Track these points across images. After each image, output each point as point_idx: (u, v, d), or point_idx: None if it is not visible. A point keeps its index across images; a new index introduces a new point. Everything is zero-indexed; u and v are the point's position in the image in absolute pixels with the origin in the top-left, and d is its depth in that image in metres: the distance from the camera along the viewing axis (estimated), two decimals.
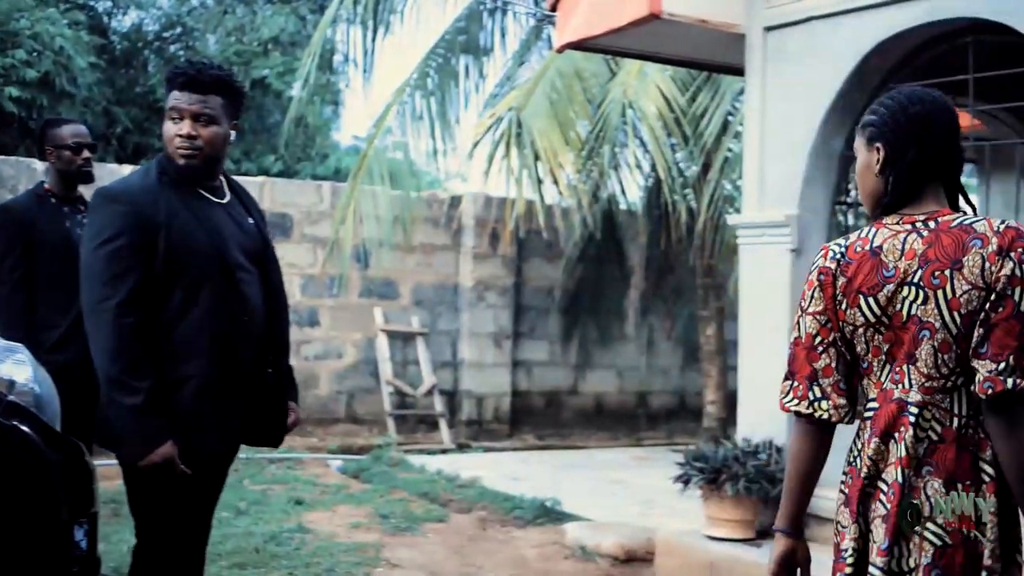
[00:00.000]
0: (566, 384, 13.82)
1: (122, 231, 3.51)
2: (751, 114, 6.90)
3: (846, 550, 2.75)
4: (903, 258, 2.65)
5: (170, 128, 3.66)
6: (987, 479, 2.62)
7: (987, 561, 2.58)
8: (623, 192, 12.51)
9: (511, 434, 13.04)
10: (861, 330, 2.71)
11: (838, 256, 2.75)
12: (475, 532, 7.77)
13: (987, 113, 7.45)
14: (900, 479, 2.64)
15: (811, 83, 6.51)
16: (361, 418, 12.59)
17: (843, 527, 2.77)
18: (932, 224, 2.67)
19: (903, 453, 2.65)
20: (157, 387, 3.50)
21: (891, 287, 2.65)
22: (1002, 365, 2.56)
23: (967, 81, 6.02)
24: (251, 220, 3.87)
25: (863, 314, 2.70)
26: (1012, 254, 2.57)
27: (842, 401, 2.78)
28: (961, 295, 2.59)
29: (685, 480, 6.44)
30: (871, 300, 2.68)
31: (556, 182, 11.47)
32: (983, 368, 2.58)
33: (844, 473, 2.82)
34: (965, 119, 6.89)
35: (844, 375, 2.78)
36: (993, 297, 2.57)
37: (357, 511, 8.19)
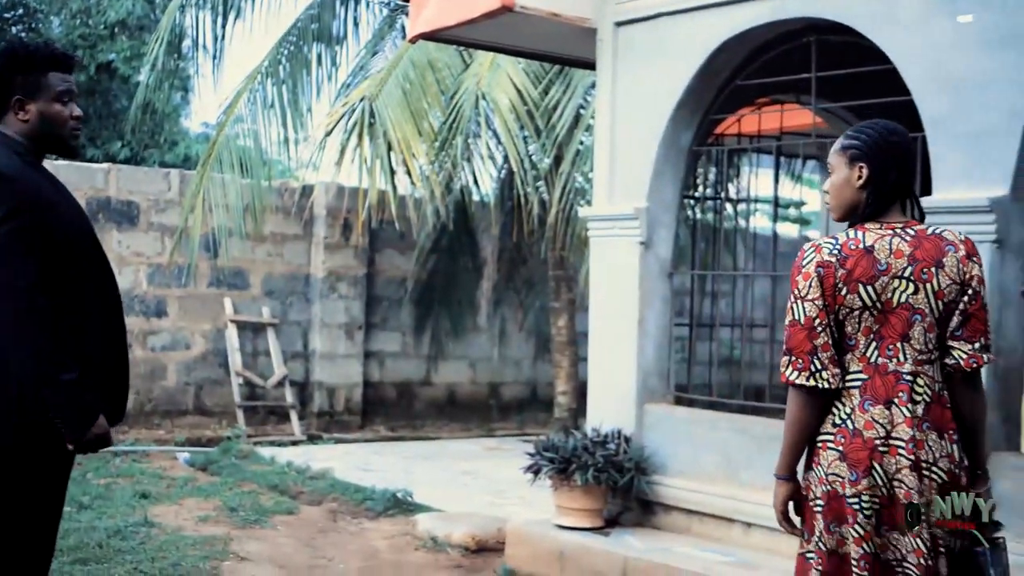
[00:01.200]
0: (418, 375, 13.81)
1: (20, 210, 3.47)
2: (602, 108, 6.98)
3: (857, 499, 3.29)
4: (892, 256, 3.33)
5: (62, 110, 3.68)
6: (953, 428, 3.37)
7: (962, 484, 3.35)
8: (476, 183, 12.52)
9: (363, 425, 12.99)
10: (856, 312, 3.34)
11: (836, 252, 3.35)
12: (326, 524, 7.73)
13: (829, 111, 7.66)
14: (914, 435, 3.29)
15: (660, 78, 6.62)
16: (210, 410, 12.40)
17: (841, 478, 3.32)
18: (911, 231, 3.38)
19: (908, 414, 3.30)
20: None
21: (885, 279, 3.32)
22: (977, 345, 3.38)
23: (809, 79, 6.19)
24: None
25: (861, 299, 3.33)
26: (975, 258, 3.42)
27: (837, 371, 3.36)
28: (944, 288, 3.34)
29: (535, 470, 6.49)
30: (869, 288, 3.32)
31: (409, 172, 11.43)
32: (964, 347, 3.37)
33: (830, 434, 3.37)
34: (807, 117, 7.10)
35: (836, 350, 3.37)
36: (969, 292, 3.37)
37: (205, 504, 8.08)
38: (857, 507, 3.29)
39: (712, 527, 6.27)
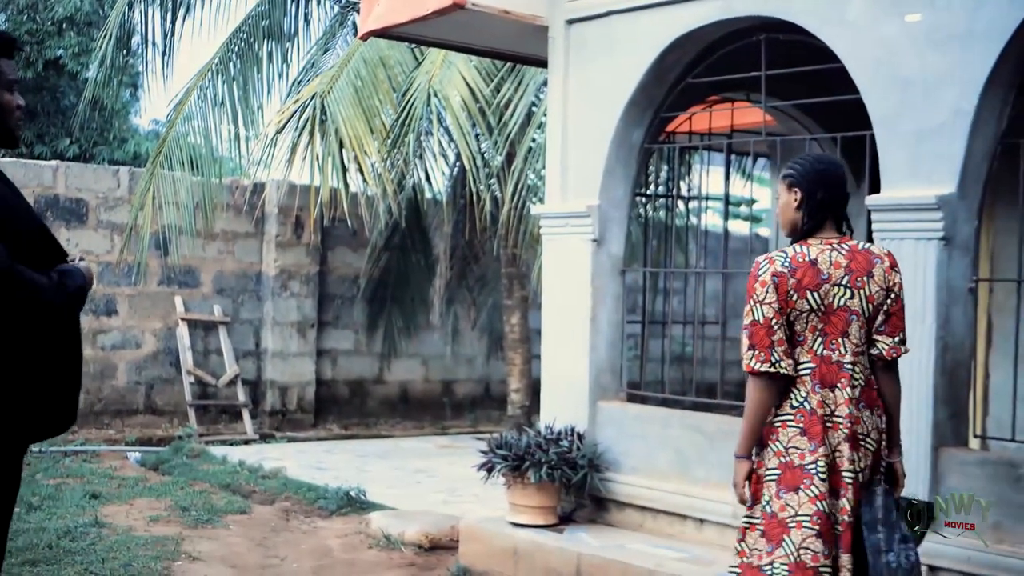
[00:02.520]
0: (371, 373, 13.78)
1: None
2: (554, 106, 6.99)
3: (815, 465, 3.97)
4: (832, 267, 4.05)
5: (11, 99, 3.55)
6: (879, 406, 4.11)
7: (883, 454, 4.12)
8: (428, 181, 12.52)
9: (316, 424, 12.95)
10: (805, 314, 4.05)
11: (787, 264, 4.05)
12: (278, 523, 7.70)
13: (779, 109, 7.71)
14: (851, 412, 4.03)
15: (611, 76, 6.64)
16: (161, 409, 12.31)
17: (800, 449, 4.00)
18: (845, 246, 4.10)
19: (847, 396, 4.03)
20: None
21: (827, 286, 4.03)
22: (897, 339, 4.13)
23: (760, 77, 6.23)
24: None
25: (808, 303, 4.03)
26: (896, 269, 4.13)
27: (791, 361, 4.05)
28: (874, 293, 4.07)
29: (489, 468, 6.50)
30: (814, 294, 4.03)
31: (361, 170, 11.40)
32: (887, 340, 4.11)
33: (789, 414, 4.05)
34: (758, 115, 7.15)
35: (789, 345, 4.06)
36: (892, 296, 4.10)
37: (156, 504, 8.03)
38: (814, 471, 3.97)
39: (665, 523, 6.30)
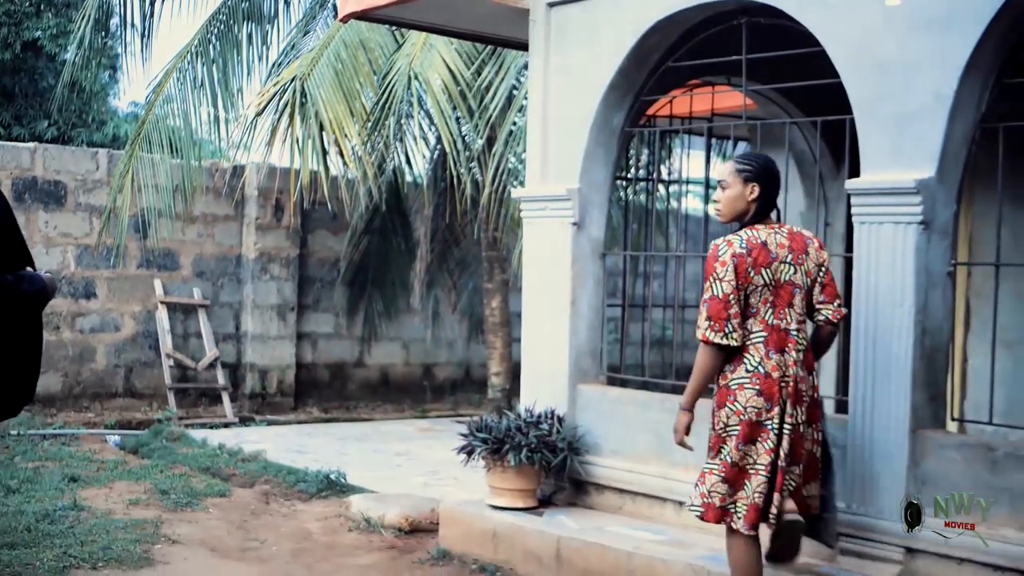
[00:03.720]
0: (351, 356, 13.77)
1: None
2: (534, 89, 6.98)
3: (771, 421, 4.69)
4: (778, 248, 4.77)
5: None
6: (813, 367, 4.88)
7: (816, 407, 4.89)
8: (409, 164, 12.48)
9: (296, 407, 12.94)
10: (759, 288, 4.73)
11: (744, 246, 4.72)
12: (258, 506, 7.70)
13: (759, 93, 7.72)
14: (796, 372, 4.75)
15: (592, 59, 6.63)
16: (140, 392, 12.28)
17: (758, 408, 4.69)
18: (784, 231, 4.86)
19: (793, 359, 4.75)
20: None
21: (776, 264, 4.75)
22: (837, 303, 4.92)
23: (740, 61, 6.23)
24: None
25: (762, 279, 4.73)
26: (823, 248, 4.95)
27: (741, 333, 4.71)
28: (811, 269, 4.85)
29: (469, 451, 6.50)
30: (766, 271, 4.73)
31: (341, 153, 11.37)
32: (831, 306, 4.90)
33: (745, 378, 4.72)
34: (738, 99, 7.15)
35: (742, 318, 4.71)
36: (823, 270, 4.88)
37: (135, 487, 8.01)
38: (770, 427, 4.70)
39: (645, 506, 6.32)
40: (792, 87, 6.63)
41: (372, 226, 13.01)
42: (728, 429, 4.73)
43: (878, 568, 5.16)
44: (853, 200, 5.36)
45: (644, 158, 10.60)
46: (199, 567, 6.17)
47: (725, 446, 4.73)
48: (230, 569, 6.20)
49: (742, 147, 13.65)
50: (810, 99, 7.05)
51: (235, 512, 7.46)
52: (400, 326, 13.99)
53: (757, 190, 4.83)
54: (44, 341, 3.80)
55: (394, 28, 11.14)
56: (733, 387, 4.74)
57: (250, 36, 12.69)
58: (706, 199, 7.93)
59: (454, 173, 11.17)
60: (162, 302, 12.22)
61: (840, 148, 6.01)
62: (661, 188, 9.11)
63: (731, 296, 4.67)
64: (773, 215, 4.92)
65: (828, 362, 8.21)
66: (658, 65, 6.65)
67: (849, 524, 5.31)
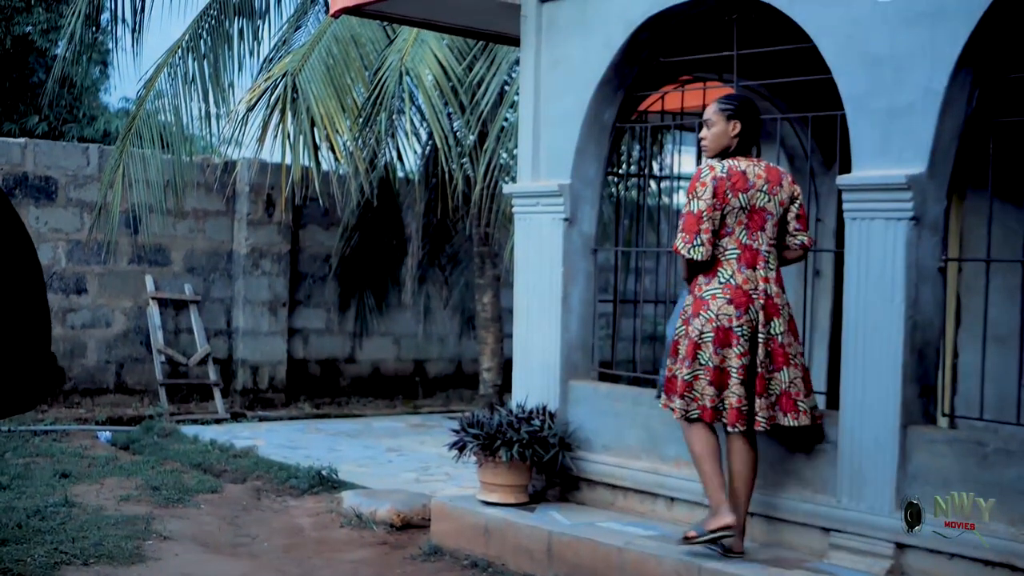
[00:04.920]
0: (343, 352, 13.76)
1: None
2: (526, 85, 6.98)
3: (741, 327, 5.23)
4: (755, 177, 5.33)
5: None
6: (783, 286, 5.40)
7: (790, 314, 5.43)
8: (400, 160, 12.46)
9: (287, 403, 12.92)
10: (735, 211, 5.28)
11: (724, 171, 5.30)
12: (249, 502, 7.70)
13: (750, 89, 7.71)
14: (768, 289, 5.29)
15: (583, 55, 6.63)
16: (131, 388, 12.26)
17: (729, 315, 5.22)
18: (761, 164, 5.43)
19: (764, 275, 5.31)
20: None
21: (752, 191, 5.31)
22: (808, 232, 5.51)
23: (731, 57, 6.23)
24: None
25: (739, 202, 5.29)
26: (796, 183, 5.51)
27: (709, 249, 5.26)
28: (783, 198, 5.40)
29: (461, 447, 6.50)
30: (743, 195, 5.29)
31: (332, 149, 11.36)
32: (802, 235, 5.47)
33: (718, 288, 5.26)
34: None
35: (715, 236, 5.27)
36: (796, 203, 5.45)
37: (127, 483, 8.00)
38: (739, 333, 5.22)
39: (636, 502, 6.33)
40: (783, 83, 6.63)
41: (363, 222, 12.99)
42: (703, 336, 5.24)
43: (869, 563, 5.17)
44: (844, 196, 5.37)
45: (635, 154, 10.61)
46: (190, 563, 6.17)
47: (702, 352, 5.25)
48: (221, 565, 6.20)
49: None
50: (801, 95, 7.06)
51: (226, 508, 7.46)
52: (392, 322, 13.98)
53: (739, 126, 5.39)
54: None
55: (385, 23, 11.12)
56: (707, 297, 5.29)
57: (241, 31, 12.67)
58: None
59: (446, 169, 11.17)
60: (153, 298, 12.20)
61: (831, 144, 6.02)
62: (652, 184, 9.12)
63: (704, 214, 5.23)
64: (753, 151, 5.57)
65: (819, 356, 8.23)
66: (649, 61, 6.65)
67: (839, 519, 5.32)
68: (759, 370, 5.22)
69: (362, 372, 13.91)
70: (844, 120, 5.45)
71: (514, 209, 7.10)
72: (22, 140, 11.92)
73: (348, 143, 11.47)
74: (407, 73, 10.92)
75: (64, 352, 11.79)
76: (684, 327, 5.36)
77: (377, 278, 13.48)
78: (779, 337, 5.27)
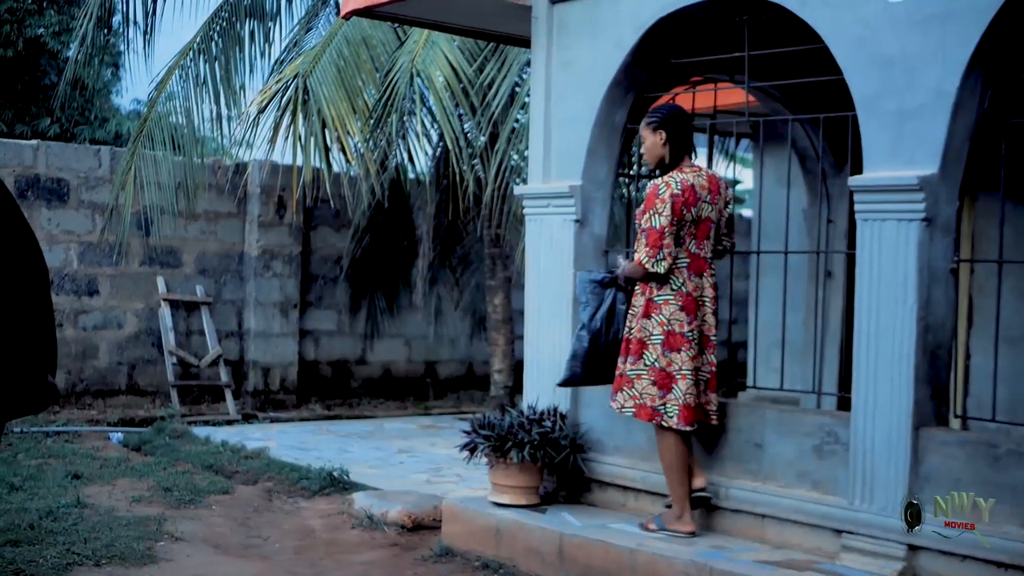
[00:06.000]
0: (354, 354, 13.77)
1: None
2: (537, 86, 6.98)
3: (691, 332, 5.63)
4: (701, 189, 5.69)
5: None
6: (716, 289, 5.87)
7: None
8: (411, 161, 12.47)
9: (298, 404, 12.94)
10: (688, 223, 5.65)
11: (679, 188, 5.63)
12: (261, 503, 7.70)
13: (761, 90, 7.71)
14: (709, 293, 5.72)
15: (595, 56, 6.63)
16: (143, 389, 12.29)
17: (680, 320, 5.61)
18: (703, 174, 5.79)
19: (710, 282, 5.75)
20: None
21: (700, 203, 5.67)
22: (732, 237, 5.96)
23: (743, 58, 6.23)
24: None
25: (691, 215, 5.65)
26: (731, 189, 5.91)
27: (671, 262, 5.60)
28: (723, 207, 5.82)
29: (472, 448, 6.49)
30: (694, 208, 5.66)
31: (344, 150, 11.37)
32: (726, 239, 5.89)
33: (669, 295, 5.65)
34: (740, 95, 7.15)
35: (674, 249, 5.59)
36: (729, 208, 5.89)
37: (138, 484, 8.02)
38: (690, 337, 5.63)
39: (647, 503, 6.32)
40: (794, 84, 6.62)
41: (374, 223, 13.00)
42: (652, 337, 5.65)
43: (880, 565, 5.16)
44: (856, 197, 5.36)
45: None
46: (202, 564, 6.18)
47: (649, 353, 5.64)
48: (233, 566, 6.21)
49: (744, 144, 13.68)
50: (812, 96, 7.05)
51: (238, 509, 7.47)
52: (403, 323, 13.99)
53: (665, 135, 5.78)
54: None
55: (396, 25, 11.14)
56: (659, 302, 5.66)
57: (252, 33, 12.69)
58: None
59: (457, 170, 11.18)
60: (165, 299, 12.22)
61: (843, 145, 6.01)
62: None
63: (666, 229, 5.57)
64: (701, 162, 6.03)
65: (831, 358, 8.22)
66: (660, 62, 6.64)
67: (851, 520, 5.31)
68: (712, 369, 5.73)
69: (373, 373, 13.93)
70: (856, 121, 5.43)
71: (525, 210, 7.10)
72: (34, 142, 11.95)
73: (359, 144, 11.48)
74: (418, 74, 10.93)
75: (76, 354, 11.82)
76: (634, 326, 5.74)
77: (388, 279, 13.49)
78: (712, 338, 5.80)
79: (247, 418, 11.87)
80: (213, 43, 12.30)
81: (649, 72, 6.68)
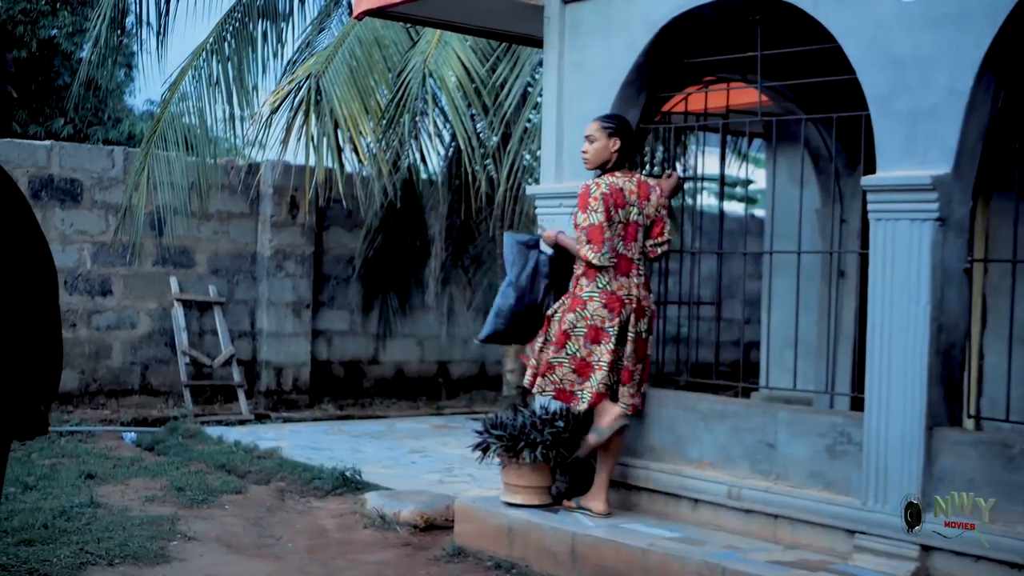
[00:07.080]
0: (366, 354, 13.79)
1: None
2: (549, 86, 6.98)
3: (612, 328, 6.01)
4: (629, 193, 6.09)
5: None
6: (650, 288, 6.27)
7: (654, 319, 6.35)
8: (424, 161, 12.48)
9: (311, 404, 12.96)
10: (615, 224, 6.03)
11: (608, 188, 6.03)
12: (274, 503, 7.71)
13: (774, 90, 7.70)
14: (635, 293, 6.10)
15: (607, 56, 6.62)
16: (156, 389, 12.32)
17: (603, 316, 6.00)
18: (633, 179, 6.18)
19: (636, 282, 6.12)
20: None
21: (628, 206, 6.07)
22: (662, 239, 6.24)
23: (755, 58, 6.22)
24: None
25: (619, 217, 6.04)
26: (662, 196, 6.24)
27: (612, 256, 5.99)
28: (651, 212, 6.17)
29: (484, 448, 6.50)
30: (621, 211, 6.06)
31: (356, 150, 11.38)
32: (657, 239, 6.22)
33: (595, 292, 6.02)
34: (753, 95, 7.13)
35: (613, 244, 5.99)
36: (660, 213, 6.21)
37: (152, 484, 8.04)
38: (612, 332, 6.00)
39: (660, 503, 6.31)
40: (807, 83, 6.61)
41: (387, 223, 13.01)
42: (575, 330, 6.04)
43: (894, 565, 5.14)
44: (869, 196, 5.34)
45: (659, 155, 10.59)
46: (215, 564, 6.19)
47: (572, 344, 6.04)
48: (245, 565, 6.22)
49: (757, 144, 13.66)
50: (825, 96, 7.03)
51: (251, 509, 7.48)
52: (415, 323, 14.00)
53: (619, 143, 6.13)
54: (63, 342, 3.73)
55: (409, 25, 11.14)
56: (584, 297, 6.04)
57: (265, 34, 12.70)
58: (721, 196, 7.92)
59: (469, 170, 11.18)
60: (178, 299, 12.25)
61: (855, 144, 5.99)
62: None
63: (604, 224, 5.95)
64: (624, 163, 6.21)
65: (844, 358, 8.19)
66: (672, 62, 6.64)
67: (864, 521, 5.30)
68: (625, 363, 6.08)
69: (385, 373, 13.94)
70: (869, 121, 5.42)
71: (537, 211, 7.10)
72: (48, 143, 11.99)
73: (371, 145, 11.49)
74: (430, 75, 10.93)
75: (89, 353, 11.86)
76: (560, 316, 6.13)
77: (400, 279, 13.50)
78: (643, 334, 6.15)
79: (260, 418, 11.88)
80: (226, 44, 12.31)
81: (661, 72, 6.67)
